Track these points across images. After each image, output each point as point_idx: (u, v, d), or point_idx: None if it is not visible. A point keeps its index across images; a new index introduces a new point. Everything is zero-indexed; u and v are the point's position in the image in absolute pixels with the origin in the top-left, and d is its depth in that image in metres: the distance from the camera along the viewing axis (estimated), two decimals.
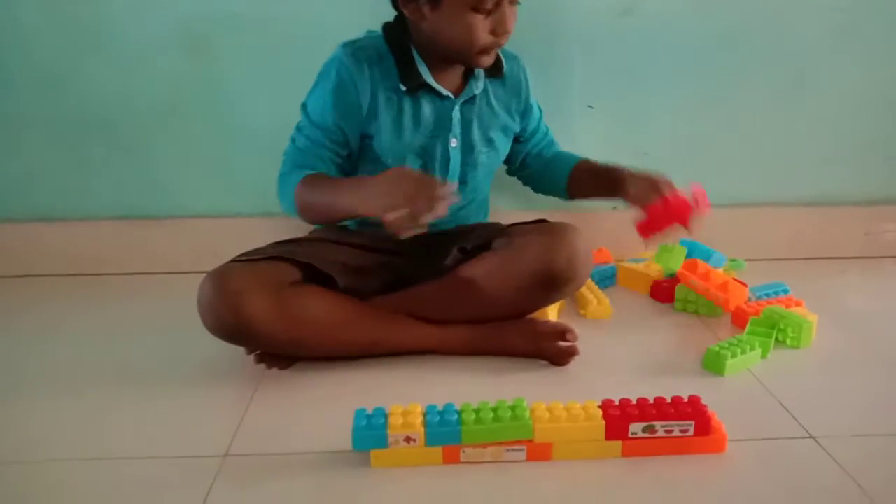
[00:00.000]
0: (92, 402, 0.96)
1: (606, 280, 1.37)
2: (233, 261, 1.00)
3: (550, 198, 1.32)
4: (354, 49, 1.07)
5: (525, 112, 1.23)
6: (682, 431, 0.82)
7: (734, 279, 1.22)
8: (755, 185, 1.51)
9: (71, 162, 1.42)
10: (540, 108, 1.27)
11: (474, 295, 1.05)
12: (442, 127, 1.11)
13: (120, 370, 1.05)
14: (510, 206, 1.40)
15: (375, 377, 1.02)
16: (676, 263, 1.31)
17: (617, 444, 0.82)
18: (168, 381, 1.01)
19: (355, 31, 1.11)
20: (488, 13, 1.01)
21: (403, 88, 1.07)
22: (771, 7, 1.39)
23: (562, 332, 1.05)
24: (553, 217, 1.11)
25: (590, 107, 1.42)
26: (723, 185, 1.49)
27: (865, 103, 1.46)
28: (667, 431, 0.82)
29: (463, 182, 1.16)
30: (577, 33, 1.38)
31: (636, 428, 0.81)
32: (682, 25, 1.39)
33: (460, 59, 1.08)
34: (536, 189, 1.33)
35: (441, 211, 0.86)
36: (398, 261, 1.13)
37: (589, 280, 1.30)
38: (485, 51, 1.05)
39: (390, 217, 0.86)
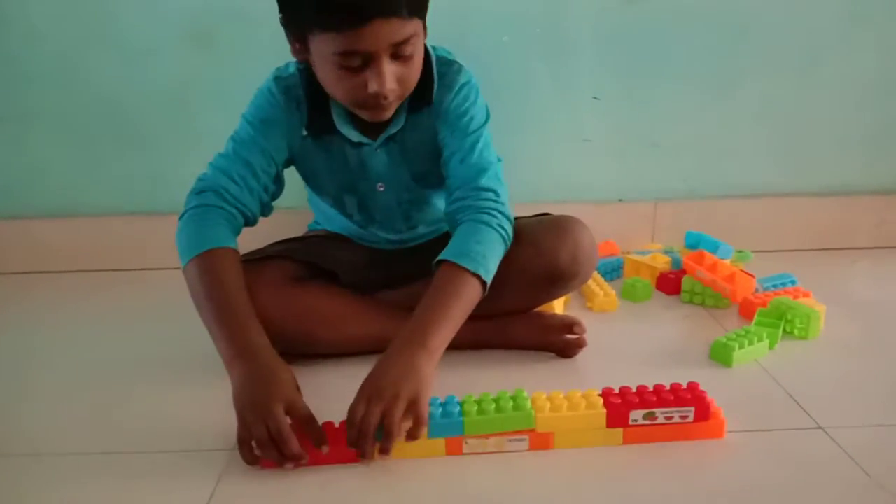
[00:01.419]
0: (99, 397, 0.97)
1: (613, 272, 1.37)
2: None
3: (552, 191, 1.31)
4: (286, 87, 1.00)
5: (440, 129, 1.03)
6: (681, 418, 0.82)
7: (741, 270, 1.22)
8: (765, 175, 1.49)
9: (77, 157, 1.43)
10: (481, 135, 1.02)
11: None
12: (364, 172, 1.05)
13: (128, 365, 1.06)
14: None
15: None
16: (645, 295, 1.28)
17: (618, 432, 0.82)
18: (176, 376, 1.02)
19: None
20: (358, 70, 0.88)
21: (304, 133, 1.01)
22: None
23: (569, 325, 1.04)
24: (556, 210, 1.10)
25: (595, 98, 1.41)
26: (732, 175, 1.49)
27: (877, 93, 1.45)
28: (667, 418, 0.82)
29: (407, 219, 1.12)
30: (585, 23, 1.37)
31: (637, 415, 0.82)
32: (690, 14, 1.38)
33: (346, 109, 0.98)
34: None
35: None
36: (397, 258, 1.13)
37: (595, 272, 1.29)
38: (362, 106, 0.93)
39: (239, 430, 0.79)
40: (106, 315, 1.26)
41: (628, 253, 1.40)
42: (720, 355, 1.02)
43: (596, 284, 1.26)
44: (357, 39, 0.84)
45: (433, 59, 1.01)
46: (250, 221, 1.00)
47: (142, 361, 1.07)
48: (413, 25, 0.87)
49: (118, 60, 1.37)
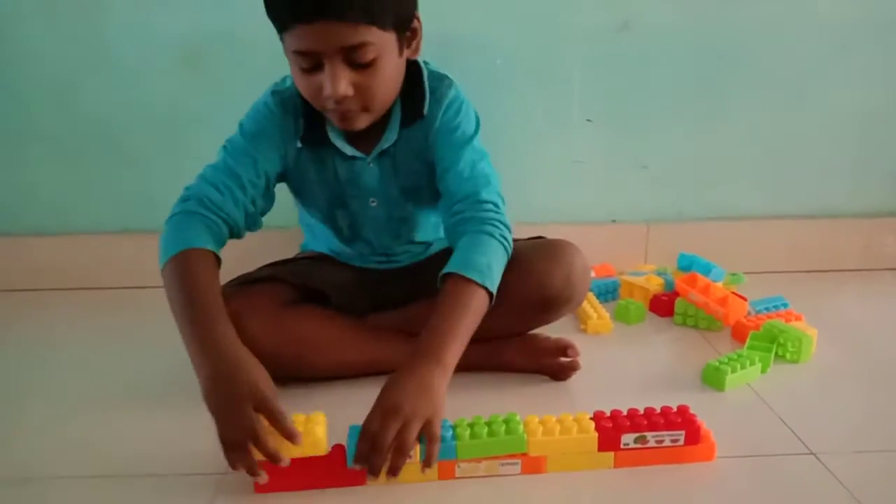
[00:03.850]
0: (90, 419, 0.97)
1: (609, 294, 1.37)
2: (226, 285, 0.98)
3: (546, 212, 1.32)
4: (282, 99, 1.01)
5: (433, 145, 1.03)
6: (672, 441, 0.83)
7: (734, 293, 1.22)
8: (755, 197, 1.51)
9: (71, 177, 1.44)
10: (474, 147, 1.02)
11: None
12: (356, 187, 1.05)
13: (119, 386, 1.06)
14: None
15: (374, 395, 1.01)
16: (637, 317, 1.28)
17: (609, 456, 0.82)
18: (167, 397, 1.01)
19: None
20: (312, 72, 0.89)
21: (299, 146, 1.01)
22: (770, 20, 1.39)
23: (563, 348, 1.04)
24: (550, 232, 1.10)
25: (589, 120, 1.43)
26: (722, 197, 1.50)
27: (865, 116, 1.47)
28: (658, 441, 0.82)
29: (397, 236, 1.11)
30: (576, 48, 1.39)
31: (628, 439, 0.82)
32: (679, 40, 1.39)
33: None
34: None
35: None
36: (388, 282, 1.13)
37: (589, 294, 1.30)
38: (325, 110, 0.93)
39: (218, 432, 0.76)
40: (97, 333, 1.25)
41: (622, 274, 1.40)
42: (713, 379, 1.02)
43: (590, 306, 1.26)
44: (305, 39, 0.85)
45: (425, 73, 1.02)
46: (235, 232, 0.98)
47: (133, 381, 1.07)
48: (371, 34, 0.86)
49: (110, 82, 1.38)
